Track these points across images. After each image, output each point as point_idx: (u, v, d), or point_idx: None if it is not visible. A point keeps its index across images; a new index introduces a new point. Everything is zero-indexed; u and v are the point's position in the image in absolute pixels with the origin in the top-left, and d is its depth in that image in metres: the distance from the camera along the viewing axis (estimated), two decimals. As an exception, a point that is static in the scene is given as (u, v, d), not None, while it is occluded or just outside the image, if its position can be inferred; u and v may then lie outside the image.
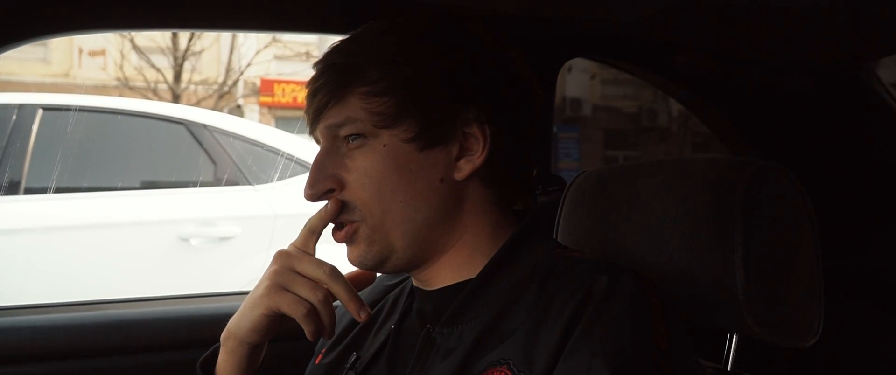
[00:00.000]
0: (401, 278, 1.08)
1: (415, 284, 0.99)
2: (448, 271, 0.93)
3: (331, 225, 0.92)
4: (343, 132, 0.90)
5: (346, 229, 0.91)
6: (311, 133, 0.96)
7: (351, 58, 0.91)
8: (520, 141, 0.93)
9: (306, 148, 3.79)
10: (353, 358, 0.99)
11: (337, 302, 1.17)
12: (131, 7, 1.19)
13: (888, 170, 1.59)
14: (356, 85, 0.89)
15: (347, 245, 0.93)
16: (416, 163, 0.89)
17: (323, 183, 0.90)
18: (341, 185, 0.90)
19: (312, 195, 0.91)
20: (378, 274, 1.18)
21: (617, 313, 0.78)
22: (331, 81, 0.91)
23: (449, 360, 0.84)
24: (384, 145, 0.89)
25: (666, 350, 0.78)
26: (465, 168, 0.91)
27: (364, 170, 0.89)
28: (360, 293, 1.14)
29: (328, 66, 0.92)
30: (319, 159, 0.92)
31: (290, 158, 3.61)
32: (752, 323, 0.94)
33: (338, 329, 1.07)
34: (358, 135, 0.89)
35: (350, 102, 0.89)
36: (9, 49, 1.13)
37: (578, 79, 14.82)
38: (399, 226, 0.89)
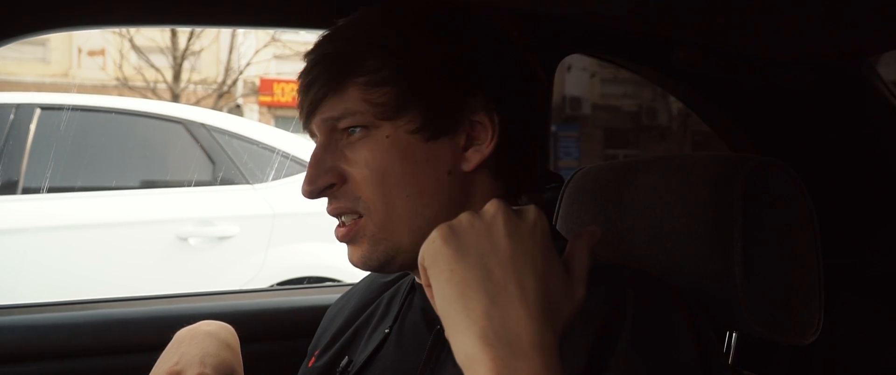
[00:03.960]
0: (396, 276, 1.06)
1: (418, 281, 0.95)
2: None
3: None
4: (342, 124, 0.85)
5: (349, 226, 0.86)
6: (306, 127, 0.91)
7: (346, 46, 0.87)
8: (527, 130, 0.89)
9: (305, 147, 3.79)
10: (344, 362, 0.96)
11: (332, 303, 1.16)
12: (131, 2, 1.18)
13: (888, 166, 1.58)
14: (354, 75, 0.85)
15: (349, 244, 0.88)
16: (421, 154, 0.85)
17: (323, 177, 0.86)
18: (342, 179, 0.86)
19: (312, 191, 0.86)
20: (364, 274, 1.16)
21: (649, 332, 0.75)
22: (325, 72, 0.86)
23: None
24: (387, 136, 0.84)
25: (699, 364, 0.76)
26: (473, 158, 0.87)
27: (366, 162, 0.84)
28: (354, 290, 1.13)
29: (321, 57, 0.87)
30: (318, 153, 0.87)
31: (287, 157, 3.61)
32: (752, 321, 0.93)
33: (331, 330, 1.05)
34: (358, 127, 0.85)
35: (348, 94, 0.85)
36: (6, 44, 1.12)
37: (578, 78, 14.83)
38: (406, 222, 0.84)
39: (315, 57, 0.88)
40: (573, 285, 0.66)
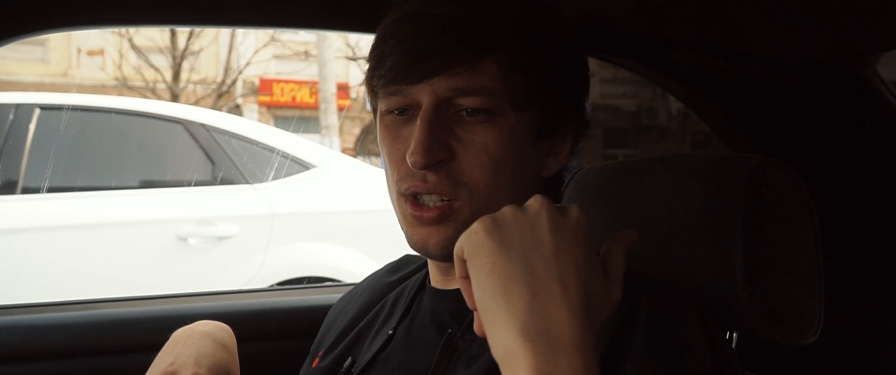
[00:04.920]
0: (401, 277, 1.06)
1: (432, 281, 0.94)
2: None
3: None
4: (467, 101, 0.80)
5: (442, 207, 0.81)
6: (400, 88, 0.81)
7: (481, 16, 0.80)
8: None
9: (304, 147, 3.79)
10: (347, 363, 0.96)
11: (334, 303, 1.16)
12: (132, 2, 1.17)
13: (888, 166, 1.58)
14: (495, 51, 0.79)
15: (430, 226, 0.82)
16: (530, 151, 0.84)
17: (439, 150, 0.80)
18: (450, 157, 0.81)
19: (426, 163, 0.79)
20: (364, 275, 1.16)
21: (663, 339, 0.74)
22: (461, 38, 0.79)
23: (473, 369, 0.80)
24: (512, 126, 0.81)
25: (713, 372, 0.76)
26: (551, 167, 0.88)
27: (486, 147, 0.80)
28: (357, 290, 1.13)
29: (452, 19, 0.79)
30: (432, 122, 0.80)
31: (287, 157, 3.61)
32: (753, 320, 0.93)
33: (334, 331, 1.05)
34: (483, 110, 0.80)
35: (486, 70, 0.79)
36: (6, 44, 1.12)
37: (577, 78, 14.81)
38: None
39: (440, 17, 0.80)
40: (610, 286, 0.66)
